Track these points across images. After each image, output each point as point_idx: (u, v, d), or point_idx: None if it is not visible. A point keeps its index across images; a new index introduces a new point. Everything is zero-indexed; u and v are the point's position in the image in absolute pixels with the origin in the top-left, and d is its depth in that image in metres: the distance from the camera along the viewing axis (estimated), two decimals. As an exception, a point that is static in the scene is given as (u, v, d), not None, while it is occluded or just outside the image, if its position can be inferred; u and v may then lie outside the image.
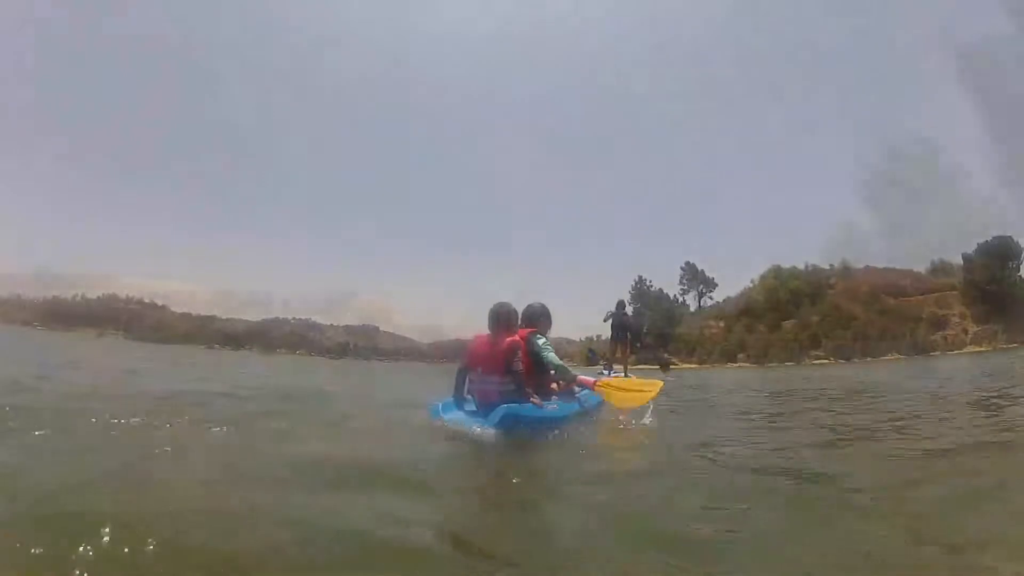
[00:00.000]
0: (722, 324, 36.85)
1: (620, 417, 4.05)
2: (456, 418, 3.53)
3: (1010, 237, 31.49)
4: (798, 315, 34.30)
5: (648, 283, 41.02)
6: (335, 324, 37.15)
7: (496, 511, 2.06)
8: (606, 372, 8.43)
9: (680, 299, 42.34)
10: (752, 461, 2.85)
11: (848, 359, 27.37)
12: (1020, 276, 31.27)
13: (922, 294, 33.34)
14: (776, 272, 37.69)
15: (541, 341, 4.06)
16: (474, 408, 3.66)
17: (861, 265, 36.58)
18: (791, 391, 8.89)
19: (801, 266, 37.56)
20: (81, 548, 1.32)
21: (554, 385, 4.25)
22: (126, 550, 1.33)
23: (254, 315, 35.89)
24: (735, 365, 30.38)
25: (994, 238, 31.88)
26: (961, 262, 33.24)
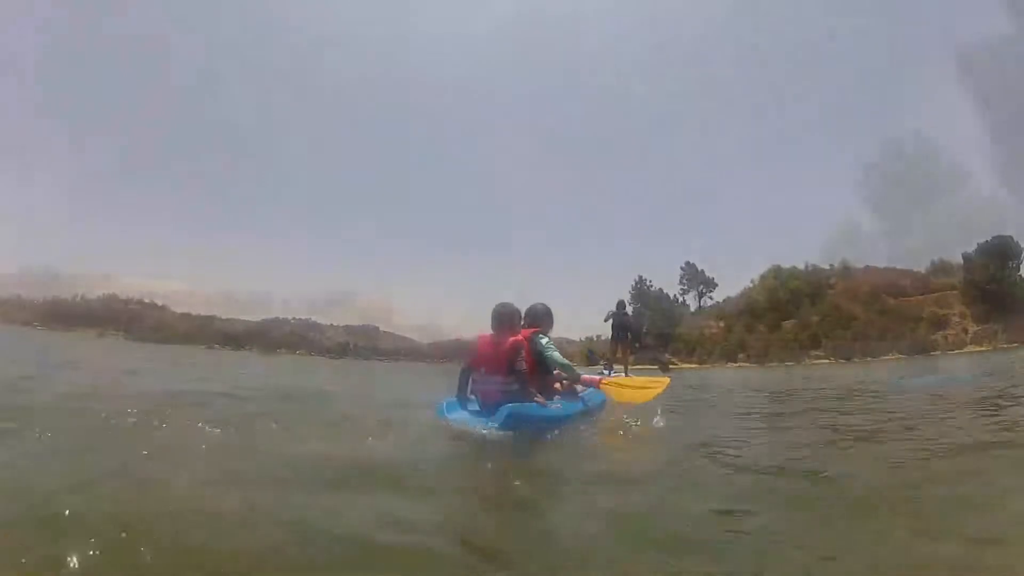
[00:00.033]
0: (722, 324, 36.84)
1: (626, 419, 4.05)
2: (460, 418, 3.53)
3: (1010, 237, 31.50)
4: (798, 315, 34.30)
5: (648, 283, 41.04)
6: (335, 324, 37.16)
7: (497, 511, 2.06)
8: (606, 372, 8.43)
9: (680, 299, 42.35)
10: (753, 461, 2.85)
11: (848, 359, 27.37)
12: (1020, 276, 31.27)
13: (922, 294, 33.33)
14: (776, 272, 37.68)
15: (544, 341, 4.07)
16: (478, 408, 3.67)
17: (861, 265, 36.58)
18: (791, 391, 8.89)
19: (801, 266, 37.56)
20: (80, 549, 1.32)
21: (557, 385, 4.26)
22: (125, 551, 1.33)
23: (254, 315, 35.90)
24: (735, 365, 30.37)
25: (994, 238, 31.89)
26: (961, 262, 33.23)
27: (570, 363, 4.25)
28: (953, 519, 1.82)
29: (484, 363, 3.73)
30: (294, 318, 36.95)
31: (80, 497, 1.72)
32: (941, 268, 34.64)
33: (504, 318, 3.83)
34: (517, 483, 2.43)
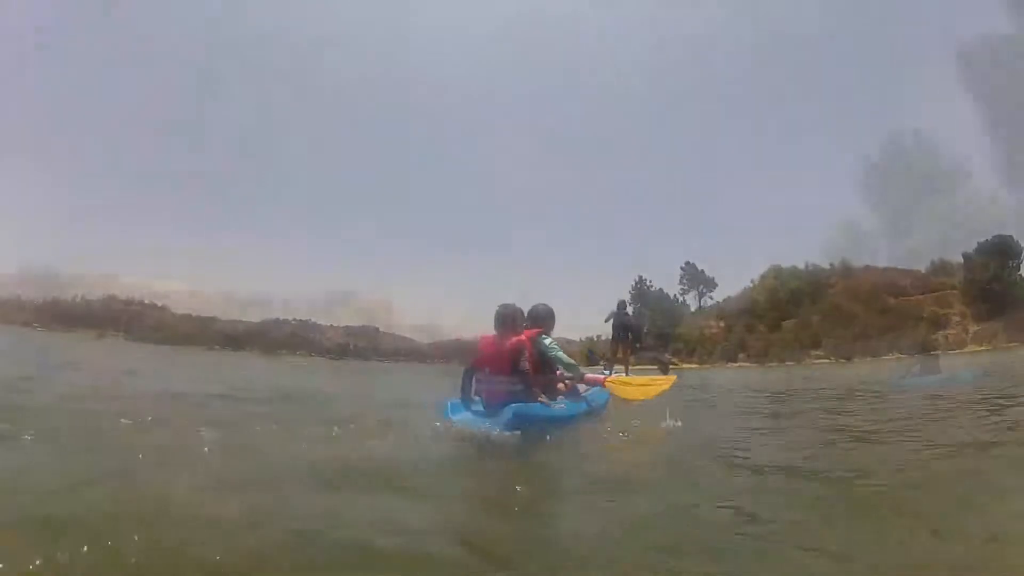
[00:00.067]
0: (722, 324, 36.83)
1: (635, 423, 4.06)
2: (464, 418, 3.54)
3: (1010, 236, 31.50)
4: (798, 315, 34.27)
5: (648, 283, 41.03)
6: (335, 325, 37.14)
7: (499, 511, 2.05)
8: (607, 372, 8.43)
9: (680, 299, 42.34)
10: (754, 461, 2.84)
11: (849, 358, 27.35)
12: (1020, 275, 31.26)
13: (922, 293, 33.32)
14: (776, 272, 37.67)
15: (548, 341, 4.11)
16: (482, 408, 3.68)
17: (861, 264, 36.57)
18: (792, 391, 8.89)
19: (801, 266, 37.54)
20: (78, 550, 1.31)
21: (560, 385, 4.28)
22: (124, 552, 1.32)
23: (254, 316, 35.85)
24: (735, 365, 30.35)
25: (994, 237, 31.89)
26: (961, 261, 33.24)
27: (575, 363, 4.28)
28: (954, 519, 1.81)
29: (488, 363, 3.74)
30: (294, 319, 36.97)
31: (79, 498, 1.72)
32: (941, 268, 34.63)
33: (507, 319, 3.84)
34: (519, 483, 2.43)
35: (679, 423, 3.95)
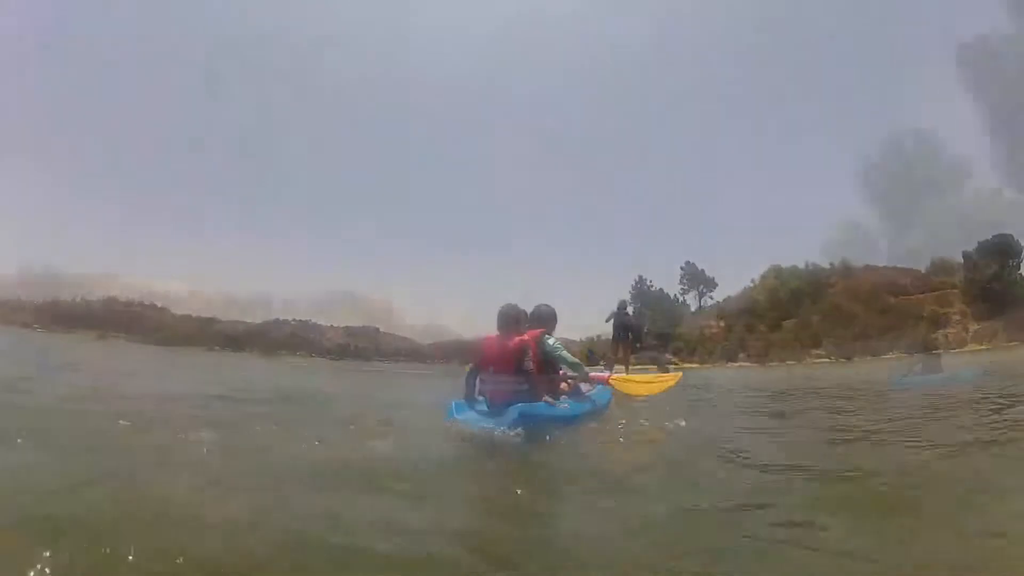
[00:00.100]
0: (722, 324, 36.80)
1: (643, 422, 4.07)
2: (469, 419, 3.55)
3: (1010, 235, 31.47)
4: (799, 314, 34.24)
5: (648, 283, 41.01)
6: (335, 325, 37.12)
7: (500, 511, 2.05)
8: (608, 372, 8.43)
9: (680, 299, 42.30)
10: (755, 462, 2.84)
11: (849, 358, 27.32)
12: (1020, 274, 31.24)
13: (922, 292, 33.30)
14: (776, 271, 37.63)
15: (552, 341, 4.13)
16: (486, 409, 3.69)
17: (861, 264, 36.56)
18: (793, 391, 8.88)
19: (801, 265, 37.51)
20: (78, 551, 1.31)
21: (563, 385, 4.30)
22: (124, 553, 1.32)
23: (254, 317, 35.81)
24: (736, 365, 30.34)
25: (994, 236, 31.85)
26: (961, 260, 33.23)
27: (579, 362, 4.32)
28: (955, 519, 1.81)
29: (492, 364, 3.76)
30: (294, 319, 36.90)
31: (78, 499, 1.71)
32: (941, 267, 34.60)
33: (510, 319, 3.87)
34: (521, 483, 2.42)
35: (683, 423, 3.96)
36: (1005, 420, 4.08)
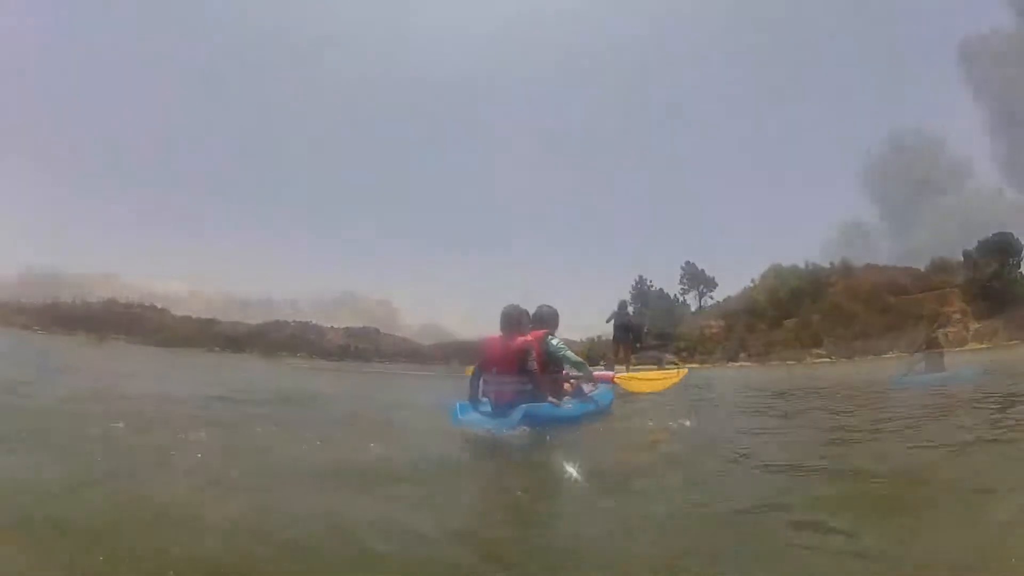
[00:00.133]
0: (723, 323, 36.78)
1: (650, 423, 4.07)
2: (473, 419, 3.56)
3: (1010, 234, 31.45)
4: (799, 314, 34.23)
5: (648, 283, 40.98)
6: (335, 326, 37.11)
7: (502, 512, 2.04)
8: (612, 371, 8.42)
9: (680, 299, 42.26)
10: (756, 461, 2.83)
11: (850, 357, 27.31)
12: (1021, 273, 31.23)
13: (923, 291, 33.29)
14: (776, 271, 37.61)
15: (555, 342, 4.15)
16: (490, 409, 3.69)
17: (862, 263, 36.53)
18: (794, 390, 8.88)
19: (801, 265, 37.48)
20: (77, 552, 1.30)
21: (566, 385, 4.31)
22: (124, 554, 1.31)
23: (254, 317, 35.76)
24: (736, 364, 30.33)
25: (994, 234, 31.84)
26: (961, 259, 33.23)
27: (583, 362, 4.35)
28: (956, 518, 1.80)
29: (495, 364, 3.78)
30: (294, 321, 36.85)
31: (77, 501, 1.71)
32: (941, 266, 34.60)
33: (512, 320, 3.89)
34: (523, 484, 2.42)
35: (686, 423, 3.97)
36: (1008, 419, 4.07)
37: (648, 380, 4.73)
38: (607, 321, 11.76)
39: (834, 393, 7.76)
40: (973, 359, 13.68)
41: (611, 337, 12.20)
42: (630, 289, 39.58)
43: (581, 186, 57.87)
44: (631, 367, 11.50)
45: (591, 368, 4.56)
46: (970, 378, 8.11)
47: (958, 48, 37.96)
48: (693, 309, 42.01)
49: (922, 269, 35.82)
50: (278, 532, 1.58)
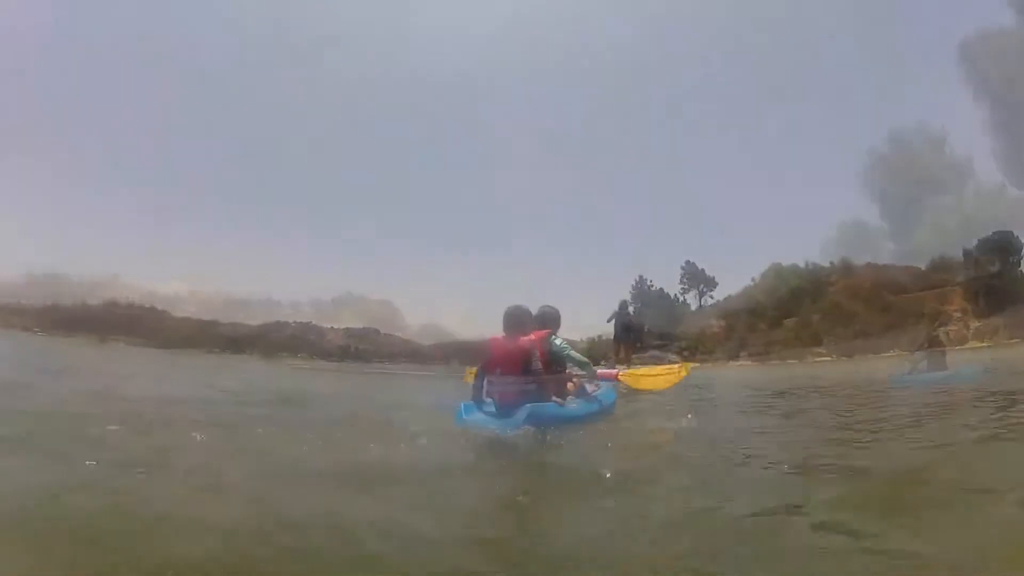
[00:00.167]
0: (723, 323, 36.77)
1: (651, 423, 4.08)
2: (477, 419, 3.56)
3: (1011, 232, 31.47)
4: (799, 313, 34.21)
5: (648, 283, 40.99)
6: (335, 327, 37.09)
7: (503, 512, 2.04)
8: (616, 369, 8.41)
9: (680, 298, 42.26)
10: (757, 461, 2.83)
11: (850, 356, 27.29)
12: (1021, 271, 31.21)
13: (922, 290, 33.27)
14: (777, 270, 37.60)
15: (559, 342, 4.17)
16: (494, 410, 3.69)
17: (862, 262, 36.52)
18: (795, 389, 8.88)
19: (801, 264, 37.48)
20: (76, 554, 1.29)
21: (569, 384, 4.32)
22: (123, 556, 1.30)
23: (254, 318, 35.73)
24: (737, 364, 30.32)
25: (994, 233, 31.85)
26: (961, 258, 33.22)
27: (588, 361, 4.39)
28: (957, 518, 1.80)
29: (500, 365, 3.78)
30: (294, 321, 36.85)
31: (76, 503, 1.70)
32: (942, 264, 34.59)
33: (516, 320, 3.90)
34: (524, 484, 2.41)
35: (688, 422, 3.97)
36: (1009, 418, 4.06)
37: (653, 376, 4.74)
38: (608, 321, 11.79)
39: (835, 392, 7.76)
40: (974, 357, 13.69)
41: (612, 337, 12.21)
42: (630, 289, 39.59)
43: (581, 186, 57.85)
44: (632, 367, 11.52)
45: (594, 367, 4.58)
46: (972, 377, 8.09)
47: (958, 46, 37.91)
48: (693, 309, 41.99)
49: (922, 268, 35.78)
50: (278, 533, 1.58)
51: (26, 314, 30.60)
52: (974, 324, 30.15)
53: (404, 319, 39.40)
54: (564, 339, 4.33)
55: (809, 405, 6.19)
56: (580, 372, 4.31)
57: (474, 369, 4.04)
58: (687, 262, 42.09)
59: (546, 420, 3.46)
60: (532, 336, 3.86)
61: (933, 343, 9.73)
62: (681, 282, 42.03)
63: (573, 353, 4.22)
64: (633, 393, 4.83)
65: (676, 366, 4.89)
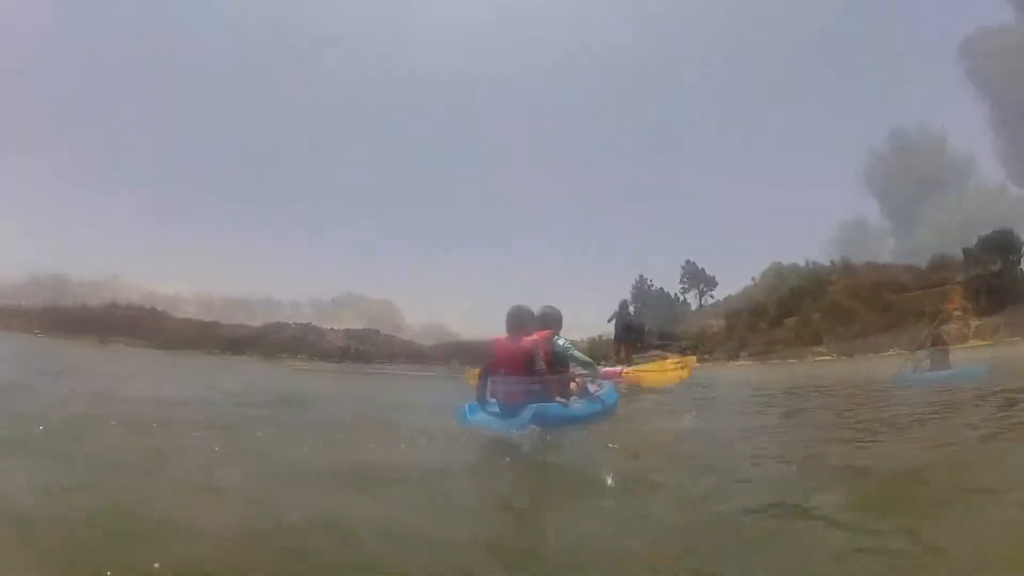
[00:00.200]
0: (723, 322, 36.75)
1: (651, 423, 4.08)
2: (481, 420, 3.57)
3: (1011, 230, 31.44)
4: (800, 312, 34.19)
5: (649, 283, 41.00)
6: (335, 328, 37.09)
7: (503, 513, 2.04)
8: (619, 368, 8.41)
9: (681, 298, 42.26)
10: (757, 461, 2.82)
11: (851, 355, 27.27)
12: (1022, 269, 31.19)
13: (923, 289, 33.25)
14: (777, 270, 37.59)
15: (562, 342, 4.18)
16: (498, 410, 3.69)
17: (862, 261, 36.49)
18: (796, 388, 8.87)
19: (802, 263, 37.46)
20: (78, 556, 1.29)
21: (572, 384, 4.34)
22: (123, 557, 1.30)
23: (255, 319, 35.74)
24: (737, 363, 30.31)
25: (994, 231, 31.82)
26: (962, 257, 33.19)
27: (591, 361, 4.41)
28: (957, 518, 1.79)
29: (503, 365, 3.79)
30: (294, 322, 36.85)
31: (75, 504, 1.70)
32: (942, 263, 34.56)
33: (519, 320, 3.91)
34: (523, 483, 2.41)
35: (689, 422, 3.97)
36: (1010, 417, 4.06)
37: (657, 372, 4.76)
38: (608, 321, 11.79)
39: (835, 391, 7.75)
40: (974, 356, 13.68)
41: (612, 337, 12.20)
42: (630, 289, 39.59)
43: (581, 186, 57.86)
44: (633, 366, 11.51)
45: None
46: (974, 376, 8.08)
47: (959, 45, 37.85)
48: (693, 308, 41.98)
49: (923, 267, 35.76)
50: (279, 533, 1.58)
51: (26, 315, 30.61)
52: (974, 322, 30.11)
53: (404, 319, 39.41)
54: (566, 339, 4.34)
55: (809, 404, 6.18)
56: (584, 372, 4.32)
57: (474, 371, 4.05)
58: (687, 262, 42.07)
59: (551, 420, 3.46)
60: (535, 336, 3.87)
61: (936, 341, 9.69)
62: (681, 282, 42.03)
63: (576, 353, 4.24)
64: (635, 393, 4.83)
65: (679, 359, 4.90)
